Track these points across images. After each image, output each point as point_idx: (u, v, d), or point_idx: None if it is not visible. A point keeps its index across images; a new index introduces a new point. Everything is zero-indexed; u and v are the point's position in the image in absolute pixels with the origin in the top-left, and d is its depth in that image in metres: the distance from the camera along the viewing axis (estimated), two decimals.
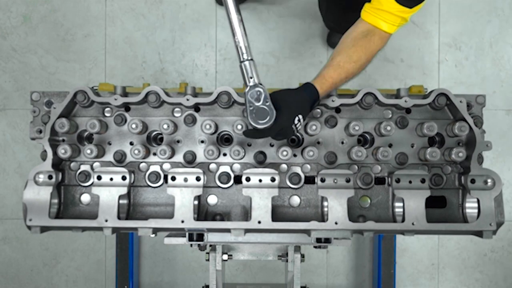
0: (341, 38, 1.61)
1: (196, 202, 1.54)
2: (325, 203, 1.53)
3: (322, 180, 1.55)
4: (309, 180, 1.60)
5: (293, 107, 1.45)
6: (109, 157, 1.60)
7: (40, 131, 1.59)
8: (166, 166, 1.60)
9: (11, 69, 2.87)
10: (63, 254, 2.87)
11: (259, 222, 1.49)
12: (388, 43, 2.86)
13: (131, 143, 1.61)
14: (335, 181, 1.54)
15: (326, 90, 1.52)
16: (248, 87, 1.44)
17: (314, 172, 1.60)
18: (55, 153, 1.53)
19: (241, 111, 1.61)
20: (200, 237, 1.59)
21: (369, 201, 1.61)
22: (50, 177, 1.52)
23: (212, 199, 1.61)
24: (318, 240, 1.57)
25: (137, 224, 1.51)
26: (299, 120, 1.46)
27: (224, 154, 1.60)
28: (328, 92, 1.54)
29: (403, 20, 1.59)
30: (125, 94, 1.59)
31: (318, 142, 1.61)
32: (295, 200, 1.61)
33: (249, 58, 1.44)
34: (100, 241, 2.86)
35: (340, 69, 1.53)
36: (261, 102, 1.43)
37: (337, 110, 1.62)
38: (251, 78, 1.44)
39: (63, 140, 1.59)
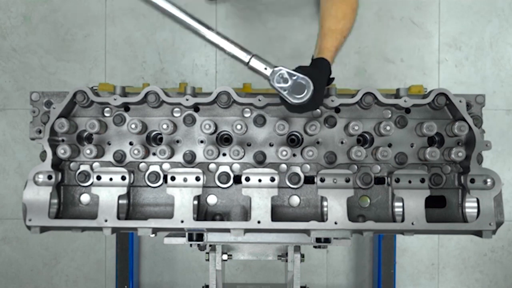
0: (320, 3, 1.63)
1: (195, 202, 1.54)
2: (325, 203, 1.53)
3: (322, 180, 1.55)
4: (309, 180, 1.60)
5: (322, 82, 1.47)
6: (108, 157, 1.60)
7: (40, 131, 1.59)
8: (166, 166, 1.60)
9: (11, 69, 2.87)
10: (63, 254, 2.87)
11: (259, 222, 1.49)
12: (388, 43, 2.88)
13: (131, 143, 1.61)
14: (335, 181, 1.54)
15: (333, 59, 1.55)
16: (269, 77, 1.43)
17: (314, 172, 1.60)
18: (54, 153, 1.53)
19: (240, 111, 1.61)
20: (200, 237, 1.59)
21: (368, 201, 1.61)
22: (49, 177, 1.52)
23: (211, 199, 1.61)
24: (318, 240, 1.57)
25: (136, 224, 1.52)
26: None
27: (224, 154, 1.60)
28: (334, 58, 1.57)
29: None
30: (124, 94, 1.59)
31: (318, 142, 1.61)
32: (295, 200, 1.61)
33: (251, 55, 1.46)
34: (100, 241, 2.86)
35: (335, 33, 1.55)
36: (289, 81, 1.41)
37: (337, 110, 1.62)
38: (265, 69, 1.44)
39: (63, 140, 1.59)
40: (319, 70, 1.49)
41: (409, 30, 2.90)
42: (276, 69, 1.42)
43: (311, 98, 1.40)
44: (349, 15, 1.59)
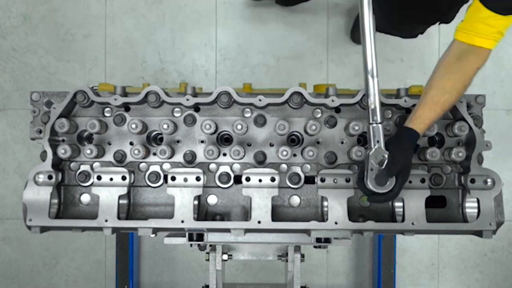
0: (434, 67, 1.54)
1: (196, 202, 1.54)
2: (325, 203, 1.53)
3: (322, 180, 1.54)
4: (309, 180, 1.59)
5: (408, 165, 1.45)
6: (109, 157, 1.60)
7: (40, 131, 1.59)
8: (166, 166, 1.60)
9: (11, 69, 2.87)
10: (63, 254, 2.87)
11: (259, 222, 1.49)
12: (388, 43, 2.88)
13: (131, 143, 1.61)
14: (335, 181, 1.54)
15: (424, 130, 1.48)
16: (373, 150, 1.42)
17: (314, 172, 1.60)
18: (55, 153, 1.53)
19: (241, 111, 1.61)
20: (200, 237, 1.59)
21: None
22: (50, 177, 1.52)
23: (212, 199, 1.61)
24: (318, 240, 1.57)
25: (137, 224, 1.52)
26: None
27: (224, 154, 1.60)
28: (424, 131, 1.49)
29: (498, 33, 1.49)
30: (125, 94, 1.59)
31: (318, 142, 1.61)
32: (295, 200, 1.61)
33: (379, 121, 1.42)
34: (100, 241, 2.86)
35: (435, 105, 1.46)
36: (383, 167, 1.41)
37: (337, 110, 1.62)
38: (377, 141, 1.42)
39: (63, 140, 1.59)
40: (409, 147, 1.44)
41: None
42: (383, 150, 1.42)
43: (393, 191, 1.42)
44: (457, 91, 1.48)
